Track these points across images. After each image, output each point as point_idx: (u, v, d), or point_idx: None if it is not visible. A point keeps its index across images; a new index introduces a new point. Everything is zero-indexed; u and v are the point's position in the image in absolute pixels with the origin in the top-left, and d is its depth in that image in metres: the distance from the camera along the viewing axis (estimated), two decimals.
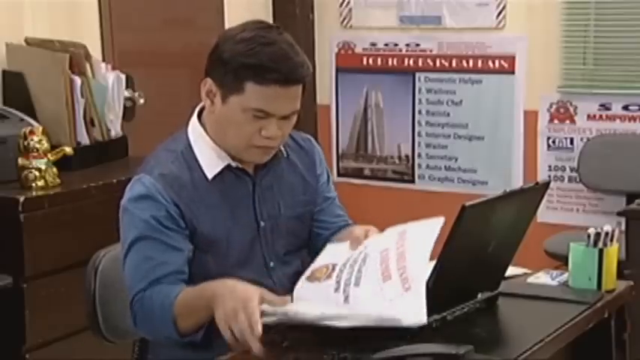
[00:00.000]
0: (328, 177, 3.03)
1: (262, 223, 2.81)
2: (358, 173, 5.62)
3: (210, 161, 2.76)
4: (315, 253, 2.88)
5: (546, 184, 2.89)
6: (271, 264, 2.81)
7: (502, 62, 5.19)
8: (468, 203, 2.48)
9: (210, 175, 2.75)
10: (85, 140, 4.01)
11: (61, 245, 3.65)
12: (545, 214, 4.98)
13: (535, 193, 2.84)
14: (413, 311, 2.41)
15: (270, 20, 5.31)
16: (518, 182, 5.18)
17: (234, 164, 2.77)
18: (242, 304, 2.39)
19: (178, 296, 2.56)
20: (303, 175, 2.94)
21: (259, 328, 2.35)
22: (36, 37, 4.10)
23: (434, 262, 2.50)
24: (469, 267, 2.64)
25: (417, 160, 5.47)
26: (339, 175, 5.61)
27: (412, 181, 5.44)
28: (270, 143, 2.71)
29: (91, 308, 2.91)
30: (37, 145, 3.67)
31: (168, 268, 2.64)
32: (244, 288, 2.47)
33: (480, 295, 2.72)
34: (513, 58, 5.15)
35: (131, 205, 2.70)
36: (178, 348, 2.65)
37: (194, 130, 2.79)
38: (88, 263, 3.32)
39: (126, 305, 2.75)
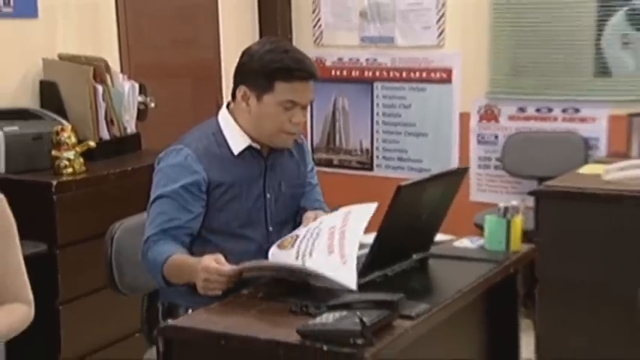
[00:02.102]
0: (313, 168, 3.10)
1: (268, 195, 2.86)
2: (329, 163, 5.60)
3: (237, 141, 2.82)
4: (295, 225, 2.98)
5: (465, 169, 2.98)
6: (270, 228, 2.86)
7: (442, 74, 5.21)
8: (402, 183, 2.56)
9: (236, 152, 2.81)
10: (105, 136, 3.99)
11: (86, 220, 3.63)
12: (476, 195, 5.10)
13: (457, 175, 2.92)
14: (347, 278, 2.47)
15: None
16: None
17: (255, 145, 2.83)
18: (207, 274, 2.49)
19: (168, 260, 2.63)
20: (298, 163, 3.00)
21: (224, 270, 2.47)
22: (66, 53, 4.11)
23: (376, 232, 2.57)
24: (405, 233, 2.70)
25: (375, 153, 5.47)
26: (315, 161, 5.50)
27: (371, 169, 5.46)
28: (297, 129, 2.83)
29: (108, 269, 2.98)
30: (67, 140, 3.66)
31: (175, 222, 2.71)
32: (205, 264, 2.52)
33: (414, 256, 2.79)
34: (450, 70, 5.17)
35: (166, 168, 2.78)
36: (183, 293, 2.72)
37: (224, 118, 2.86)
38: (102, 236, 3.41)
39: (136, 266, 2.85)
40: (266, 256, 2.75)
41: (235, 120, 2.83)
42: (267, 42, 2.90)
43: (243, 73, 2.78)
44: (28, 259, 2.58)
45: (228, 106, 2.86)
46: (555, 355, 4.05)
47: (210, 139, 2.83)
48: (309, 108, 5.35)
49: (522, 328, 4.10)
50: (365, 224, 2.64)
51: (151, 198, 2.78)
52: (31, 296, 2.49)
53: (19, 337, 2.98)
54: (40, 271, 3.29)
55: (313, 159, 5.43)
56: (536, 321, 4.15)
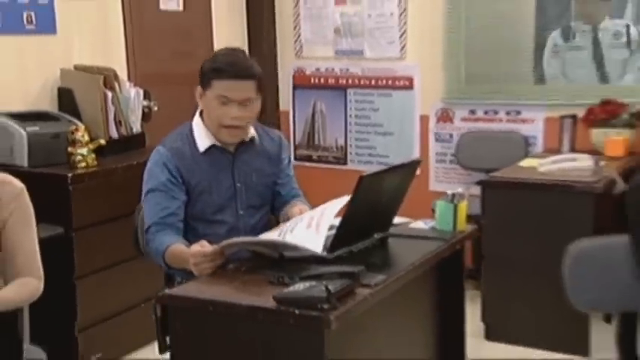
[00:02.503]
0: (289, 161, 3.07)
1: (238, 185, 2.87)
2: (309, 158, 5.55)
3: (203, 141, 2.83)
4: (274, 209, 3.02)
5: (417, 162, 2.98)
6: (241, 212, 2.86)
7: (404, 82, 5.13)
8: (363, 174, 2.57)
9: (201, 150, 2.83)
10: (114, 135, 3.97)
11: (97, 207, 3.64)
12: (434, 185, 5.06)
13: (411, 167, 2.91)
14: (315, 245, 2.50)
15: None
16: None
17: (218, 144, 2.84)
18: (195, 259, 2.49)
19: (167, 250, 2.67)
20: (271, 157, 2.98)
21: (206, 251, 2.48)
22: (81, 64, 4.10)
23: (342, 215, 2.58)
24: (367, 216, 2.70)
25: (348, 149, 5.41)
26: (295, 159, 5.45)
27: (345, 164, 5.40)
28: (234, 123, 2.78)
29: (134, 237, 3.00)
30: (81, 139, 3.66)
31: (168, 211, 2.75)
32: (192, 251, 2.54)
33: (375, 236, 2.79)
34: (412, 79, 5.10)
35: (151, 166, 2.81)
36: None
37: (196, 121, 2.87)
38: (116, 219, 3.41)
39: None
40: (237, 236, 2.74)
41: (203, 122, 2.85)
42: (221, 50, 2.94)
43: (199, 76, 2.82)
44: (47, 241, 2.61)
45: (201, 112, 2.88)
46: (498, 318, 4.07)
47: (184, 139, 2.85)
48: (290, 112, 5.49)
49: (472, 297, 4.15)
50: (338, 208, 2.66)
51: (144, 192, 2.81)
52: (41, 273, 2.51)
53: (42, 307, 2.99)
54: (58, 251, 3.32)
55: (296, 155, 5.52)
56: (483, 291, 4.16)
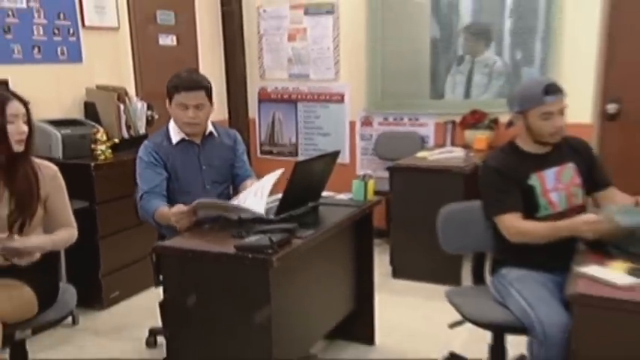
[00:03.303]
0: (243, 151, 3.02)
1: (204, 167, 2.85)
2: (270, 152, 5.44)
3: (175, 136, 2.83)
4: (235, 186, 2.98)
5: (337, 152, 2.93)
6: (207, 187, 2.84)
7: (338, 97, 5.09)
8: (298, 160, 2.66)
9: (174, 142, 2.83)
10: (125, 136, 3.95)
11: (112, 188, 3.60)
12: (359, 170, 4.92)
13: (333, 156, 2.90)
14: (258, 208, 2.56)
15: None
16: (346, 156, 5.08)
17: (186, 138, 2.83)
18: (175, 217, 2.55)
19: (155, 211, 2.67)
20: (229, 147, 2.95)
21: (182, 209, 2.52)
22: (101, 84, 4.08)
23: (284, 190, 2.61)
24: (303, 190, 2.74)
25: (299, 146, 5.32)
26: (261, 153, 5.43)
27: (296, 156, 5.26)
28: (192, 121, 2.76)
29: (135, 209, 2.93)
30: (101, 138, 3.67)
31: (154, 182, 2.75)
32: (172, 211, 2.56)
33: (309, 204, 2.83)
34: (343, 95, 5.06)
35: (141, 154, 2.81)
36: (167, 229, 2.71)
37: (171, 124, 2.85)
38: (127, 197, 3.26)
39: None
40: None
41: (175, 123, 2.84)
42: (178, 71, 2.87)
43: (166, 93, 2.79)
44: (77, 212, 2.57)
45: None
46: (401, 262, 4.10)
47: (162, 136, 2.85)
48: (256, 119, 5.48)
49: (384, 248, 4.23)
50: (274, 179, 2.70)
51: (137, 170, 2.81)
52: (75, 223, 2.51)
53: (76, 259, 3.00)
54: (86, 219, 3.21)
55: (261, 150, 5.49)
56: (391, 243, 4.20)
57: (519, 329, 2.23)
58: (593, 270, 1.99)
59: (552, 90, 2.32)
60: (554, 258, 2.29)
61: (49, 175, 2.41)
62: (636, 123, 4.28)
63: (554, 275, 2.36)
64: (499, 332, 2.49)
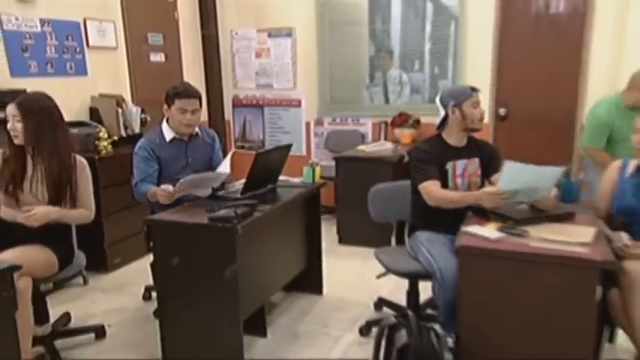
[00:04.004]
0: (219, 147, 2.98)
1: (189, 159, 2.82)
2: (242, 147, 5.36)
3: (168, 135, 2.79)
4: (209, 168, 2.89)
5: (289, 145, 2.91)
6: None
7: (296, 103, 5.06)
8: (258, 151, 2.66)
9: (167, 139, 2.79)
10: (123, 134, 3.89)
11: (113, 176, 3.55)
12: (314, 160, 4.84)
13: (286, 148, 2.89)
14: (225, 169, 2.61)
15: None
16: (303, 149, 5.08)
17: (177, 136, 2.79)
18: (161, 192, 2.55)
19: (147, 192, 2.65)
20: (209, 145, 2.91)
21: (168, 189, 2.52)
22: (103, 93, 4.03)
23: (246, 175, 2.60)
24: (263, 174, 2.73)
25: (265, 142, 5.26)
26: (235, 147, 5.32)
27: None
28: (189, 123, 2.75)
29: (131, 192, 2.82)
30: (103, 136, 3.65)
31: (147, 173, 2.72)
32: (160, 189, 2.55)
33: (268, 186, 2.83)
34: (300, 101, 5.03)
35: (137, 149, 2.77)
36: (156, 206, 2.69)
37: (164, 124, 2.81)
38: (124, 183, 3.14)
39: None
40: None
41: (168, 124, 2.81)
42: (176, 83, 2.85)
43: (165, 98, 2.79)
44: None
45: (167, 118, 2.84)
46: (348, 231, 4.08)
47: (156, 134, 2.81)
48: (231, 120, 5.43)
49: (332, 221, 4.26)
50: (229, 158, 2.73)
51: (134, 162, 2.78)
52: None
53: (86, 232, 2.89)
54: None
55: (235, 145, 5.40)
56: (337, 217, 4.15)
57: (426, 276, 2.33)
58: (474, 229, 2.12)
59: (475, 89, 2.50)
60: (452, 223, 2.35)
61: (80, 166, 2.50)
62: (519, 122, 4.40)
63: (451, 235, 2.49)
64: (413, 279, 2.61)
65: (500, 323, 1.94)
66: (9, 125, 2.34)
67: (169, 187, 2.57)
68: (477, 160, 2.54)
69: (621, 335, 2.27)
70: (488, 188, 2.32)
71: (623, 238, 2.07)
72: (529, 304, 1.88)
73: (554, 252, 1.84)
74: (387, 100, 4.80)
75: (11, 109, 2.36)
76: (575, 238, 1.94)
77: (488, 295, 1.94)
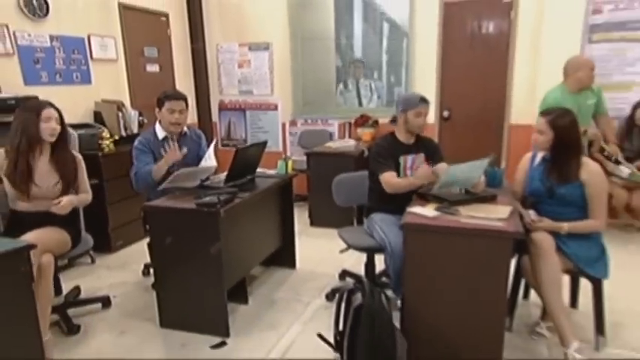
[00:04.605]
0: (206, 144, 2.92)
1: (180, 156, 2.71)
2: (227, 145, 5.24)
3: (160, 134, 2.75)
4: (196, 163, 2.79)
5: (264, 142, 2.87)
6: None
7: (273, 106, 5.00)
8: (239, 147, 2.67)
9: (160, 138, 2.75)
10: (123, 134, 3.87)
11: (114, 170, 3.53)
12: (289, 155, 4.92)
13: (262, 145, 2.88)
14: (211, 164, 2.60)
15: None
16: (279, 146, 5.02)
17: (169, 135, 2.75)
18: (165, 162, 2.56)
19: (152, 169, 2.61)
20: (196, 142, 2.87)
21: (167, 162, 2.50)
22: (105, 98, 3.99)
23: (229, 167, 2.60)
24: (243, 167, 2.72)
25: (247, 140, 5.18)
26: (221, 146, 5.24)
27: None
28: (177, 122, 2.71)
29: (130, 184, 2.77)
30: (105, 136, 3.62)
31: (144, 162, 2.68)
32: (161, 163, 2.55)
33: (248, 177, 2.81)
34: (277, 105, 4.97)
35: (136, 144, 2.72)
36: (153, 195, 2.65)
37: (157, 126, 2.76)
38: (124, 176, 3.03)
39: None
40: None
41: (160, 125, 2.77)
42: (166, 90, 2.82)
43: (157, 101, 2.75)
44: (91, 186, 2.55)
45: (160, 120, 2.80)
46: (318, 215, 4.08)
47: (150, 134, 2.78)
48: (218, 122, 5.33)
49: (305, 207, 4.24)
50: (212, 149, 2.71)
51: (134, 155, 2.73)
52: (90, 191, 2.55)
53: (93, 218, 2.90)
54: (97, 191, 3.08)
55: (222, 144, 5.36)
56: (309, 203, 4.12)
57: (380, 250, 2.40)
58: (416, 209, 2.19)
59: (424, 100, 2.52)
60: (401, 206, 2.44)
61: (78, 159, 2.53)
62: (460, 123, 4.46)
63: (400, 215, 2.57)
64: (370, 253, 2.67)
65: (437, 286, 2.01)
66: (51, 125, 2.32)
67: (174, 145, 2.57)
68: (422, 155, 2.61)
69: (533, 293, 2.41)
70: (420, 170, 2.41)
71: (531, 214, 2.16)
72: (460, 268, 1.96)
73: (478, 226, 1.93)
74: (360, 104, 4.78)
75: (52, 112, 2.36)
76: (494, 214, 2.04)
77: (427, 263, 2.01)
